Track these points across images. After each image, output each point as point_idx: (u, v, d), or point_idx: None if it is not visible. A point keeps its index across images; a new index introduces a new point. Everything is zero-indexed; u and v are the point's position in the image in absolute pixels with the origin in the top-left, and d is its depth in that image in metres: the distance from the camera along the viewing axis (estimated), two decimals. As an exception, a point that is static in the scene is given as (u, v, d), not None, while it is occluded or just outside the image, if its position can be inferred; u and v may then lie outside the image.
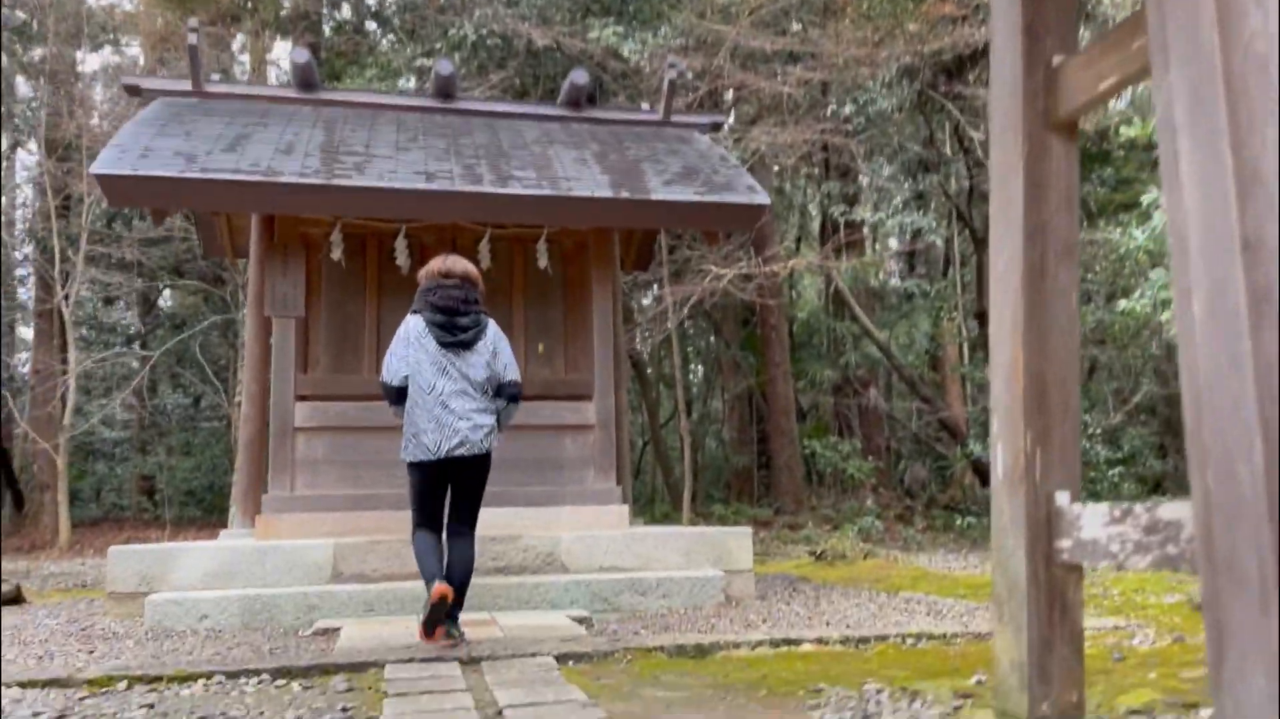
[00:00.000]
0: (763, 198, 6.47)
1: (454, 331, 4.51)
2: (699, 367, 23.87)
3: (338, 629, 5.19)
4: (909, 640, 4.70)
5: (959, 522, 14.03)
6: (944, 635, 4.79)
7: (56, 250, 12.35)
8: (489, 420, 4.57)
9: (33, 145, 15.06)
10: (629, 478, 7.58)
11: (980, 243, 13.48)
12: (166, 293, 19.84)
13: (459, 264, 4.67)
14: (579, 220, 6.46)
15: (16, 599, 6.94)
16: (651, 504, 17.67)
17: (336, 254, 6.93)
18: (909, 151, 13.06)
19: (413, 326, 4.55)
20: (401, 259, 7.08)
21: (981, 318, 13.82)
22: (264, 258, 6.54)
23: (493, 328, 4.67)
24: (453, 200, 6.05)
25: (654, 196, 6.30)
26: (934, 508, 16.40)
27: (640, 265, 9.11)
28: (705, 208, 6.34)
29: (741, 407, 20.35)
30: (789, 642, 4.57)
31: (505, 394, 4.70)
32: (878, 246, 22.39)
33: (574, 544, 6.19)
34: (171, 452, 17.95)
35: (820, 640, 4.58)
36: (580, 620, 5.45)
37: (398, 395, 4.57)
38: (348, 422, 6.45)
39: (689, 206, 6.32)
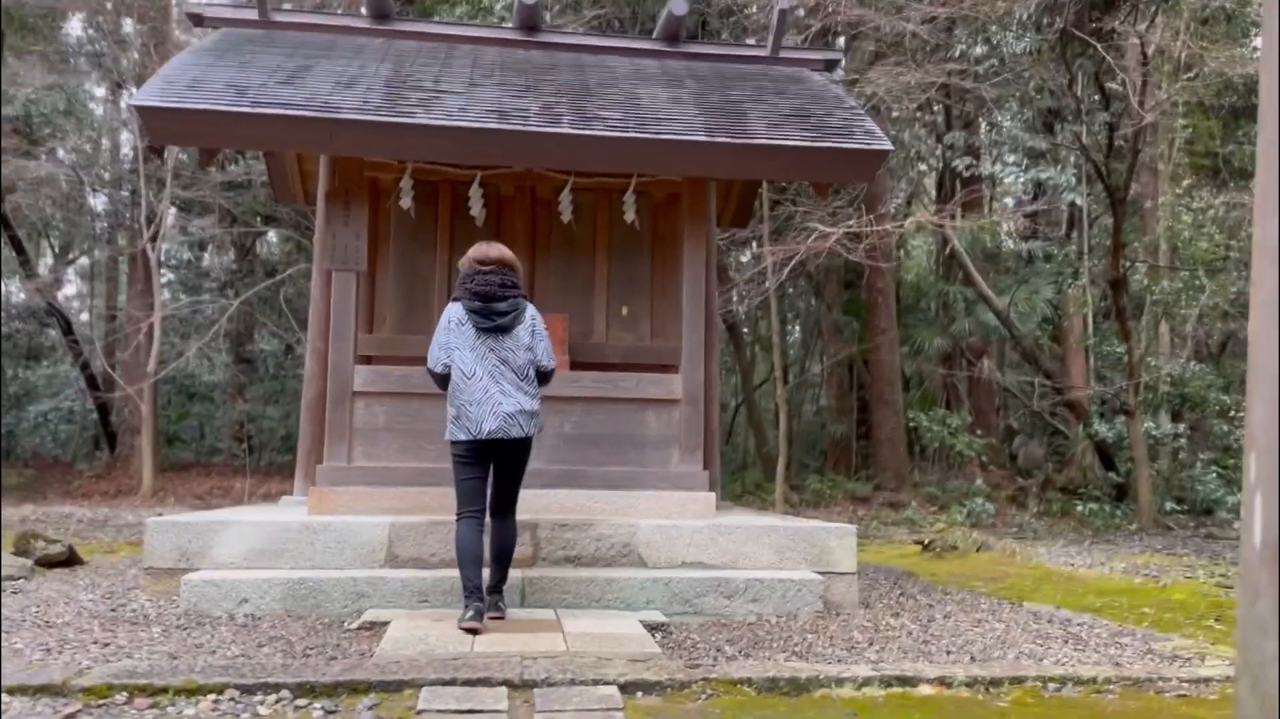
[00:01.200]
0: (883, 143, 5.58)
1: (491, 317, 4.58)
2: (796, 328, 22.85)
3: (385, 624, 4.62)
4: (1051, 685, 3.88)
5: (1079, 508, 12.90)
6: (1093, 680, 3.94)
7: (144, 194, 12.13)
8: (530, 404, 4.61)
9: (133, 88, 14.94)
10: (717, 460, 6.84)
11: (1117, 202, 12.17)
12: (262, 240, 19.75)
13: (495, 250, 4.71)
14: (669, 167, 5.67)
15: (69, 560, 6.61)
16: (743, 472, 16.96)
17: (406, 202, 6.31)
18: (1042, 99, 11.77)
19: (453, 313, 4.65)
20: (476, 209, 6.44)
21: (1116, 286, 12.54)
22: (326, 204, 5.95)
23: (530, 311, 4.73)
24: (525, 142, 5.34)
25: (756, 141, 5.47)
26: (1050, 490, 15.22)
27: (739, 221, 8.28)
28: (816, 154, 5.49)
29: (841, 373, 19.35)
30: (903, 680, 3.80)
31: (543, 377, 4.79)
32: (995, 205, 20.93)
33: (653, 535, 5.49)
34: (265, 399, 17.91)
35: (942, 681, 3.79)
36: (656, 628, 4.77)
37: (442, 382, 4.68)
38: (411, 387, 5.85)
39: (797, 153, 5.47)
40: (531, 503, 5.53)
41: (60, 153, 16.53)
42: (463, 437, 4.53)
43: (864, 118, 5.89)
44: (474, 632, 4.32)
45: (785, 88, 6.50)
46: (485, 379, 4.50)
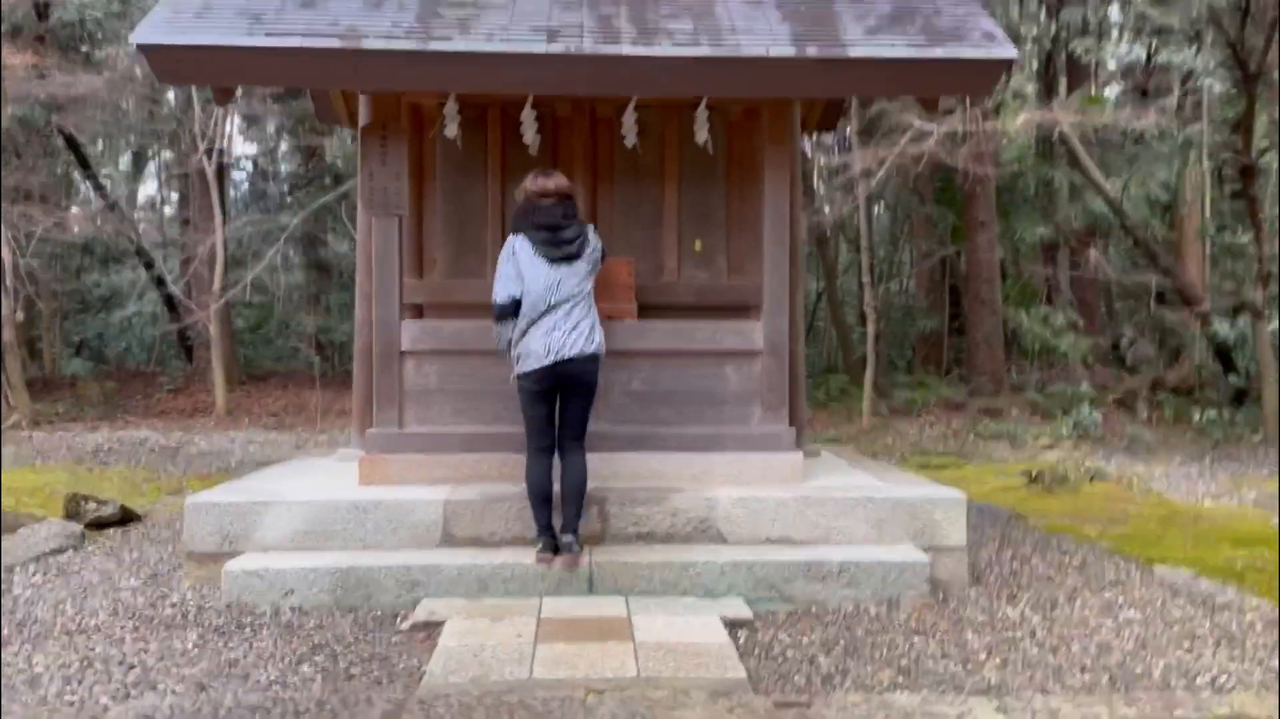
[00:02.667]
0: (1005, 50, 4.67)
1: (561, 245, 4.60)
2: (881, 211, 21.57)
3: (440, 625, 4.18)
4: (1217, 732, 3.24)
5: (1196, 416, 11.94)
6: (1267, 723, 3.29)
7: (195, 106, 11.62)
8: (590, 321, 4.67)
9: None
10: (804, 411, 6.18)
11: (1250, 78, 10.78)
12: (329, 141, 19.21)
13: (553, 181, 4.69)
14: (749, 88, 4.86)
15: (123, 520, 6.36)
16: (827, 375, 16.24)
17: (452, 130, 5.61)
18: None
19: (518, 245, 4.64)
20: (529, 135, 5.70)
21: (1247, 172, 11.24)
22: (362, 141, 5.31)
23: (593, 234, 4.79)
24: (578, 66, 4.59)
25: (853, 53, 4.61)
26: (1160, 390, 14.20)
27: (826, 124, 7.36)
28: (925, 67, 4.61)
29: (931, 265, 18.27)
30: (1035, 728, 3.20)
31: None
32: (1104, 84, 19.17)
33: (734, 509, 4.92)
34: (341, 309, 17.66)
35: (1083, 732, 3.18)
36: (738, 625, 4.24)
37: (508, 315, 4.62)
38: (464, 344, 5.29)
39: (902, 67, 4.61)
40: (599, 468, 5.00)
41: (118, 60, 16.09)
42: (533, 365, 4.54)
43: (980, 14, 4.95)
44: (547, 562, 4.51)
45: (883, -21, 5.54)
46: (558, 308, 4.55)
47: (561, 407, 4.67)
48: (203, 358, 15.14)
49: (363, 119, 5.60)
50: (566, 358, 4.52)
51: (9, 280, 11.57)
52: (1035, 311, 13.77)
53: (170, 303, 16.13)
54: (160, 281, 15.38)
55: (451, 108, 5.53)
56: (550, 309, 4.53)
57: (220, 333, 12.70)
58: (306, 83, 5.12)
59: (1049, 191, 16.04)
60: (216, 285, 12.15)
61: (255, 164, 17.83)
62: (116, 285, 22.61)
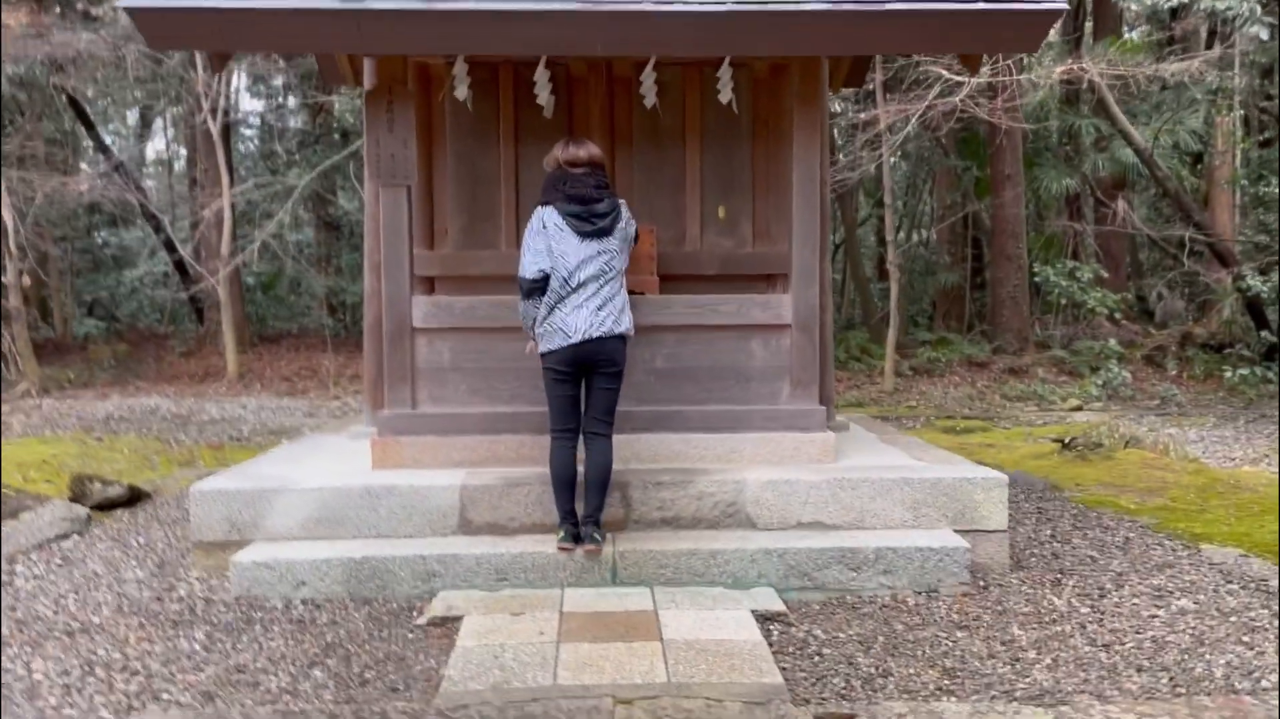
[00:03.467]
0: (1055, 2, 4.33)
1: (593, 220, 4.36)
2: (902, 163, 21.10)
3: (458, 620, 4.00)
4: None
5: (1228, 373, 11.62)
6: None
7: (199, 64, 11.28)
8: (621, 300, 4.45)
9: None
10: (832, 389, 5.93)
11: (1294, 22, 10.29)
12: (336, 100, 18.82)
13: (585, 150, 4.45)
14: (780, 45, 4.53)
15: (131, 500, 6.19)
16: (848, 333, 15.92)
17: (461, 92, 5.34)
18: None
19: (548, 218, 4.38)
20: (544, 96, 5.42)
21: (1285, 123, 10.77)
22: (367, 106, 5.02)
23: (624, 209, 4.53)
24: (597, 24, 4.27)
25: (891, 6, 4.28)
26: (1190, 345, 13.86)
27: (854, 81, 7.01)
28: (969, 21, 4.28)
29: (953, 217, 17.84)
30: (1096, 743, 2.98)
31: None
32: (1131, 26, 18.52)
33: (763, 492, 4.70)
34: (352, 270, 17.42)
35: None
36: (771, 619, 4.04)
37: (542, 289, 4.37)
38: (477, 320, 5.05)
39: (944, 21, 4.27)
40: (621, 450, 4.77)
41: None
42: (559, 343, 4.33)
43: (1026, -37, 4.59)
44: (568, 551, 4.33)
45: (919, -76, 5.17)
46: (589, 284, 4.33)
47: (588, 389, 4.44)
48: (214, 319, 14.95)
49: (368, 83, 5.31)
50: (594, 337, 4.30)
51: (12, 245, 11.35)
52: (1061, 266, 13.40)
53: (180, 266, 15.92)
54: (170, 245, 15.15)
55: (461, 68, 5.24)
56: (580, 286, 4.30)
57: (230, 296, 12.48)
58: (306, 47, 4.82)
59: (1074, 141, 15.56)
60: (225, 249, 11.90)
61: (263, 121, 17.47)
62: (127, 244, 22.39)
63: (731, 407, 5.15)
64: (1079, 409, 10.68)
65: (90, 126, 15.64)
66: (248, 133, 21.05)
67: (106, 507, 5.97)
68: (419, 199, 5.60)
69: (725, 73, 5.33)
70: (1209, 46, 16.90)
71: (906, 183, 20.86)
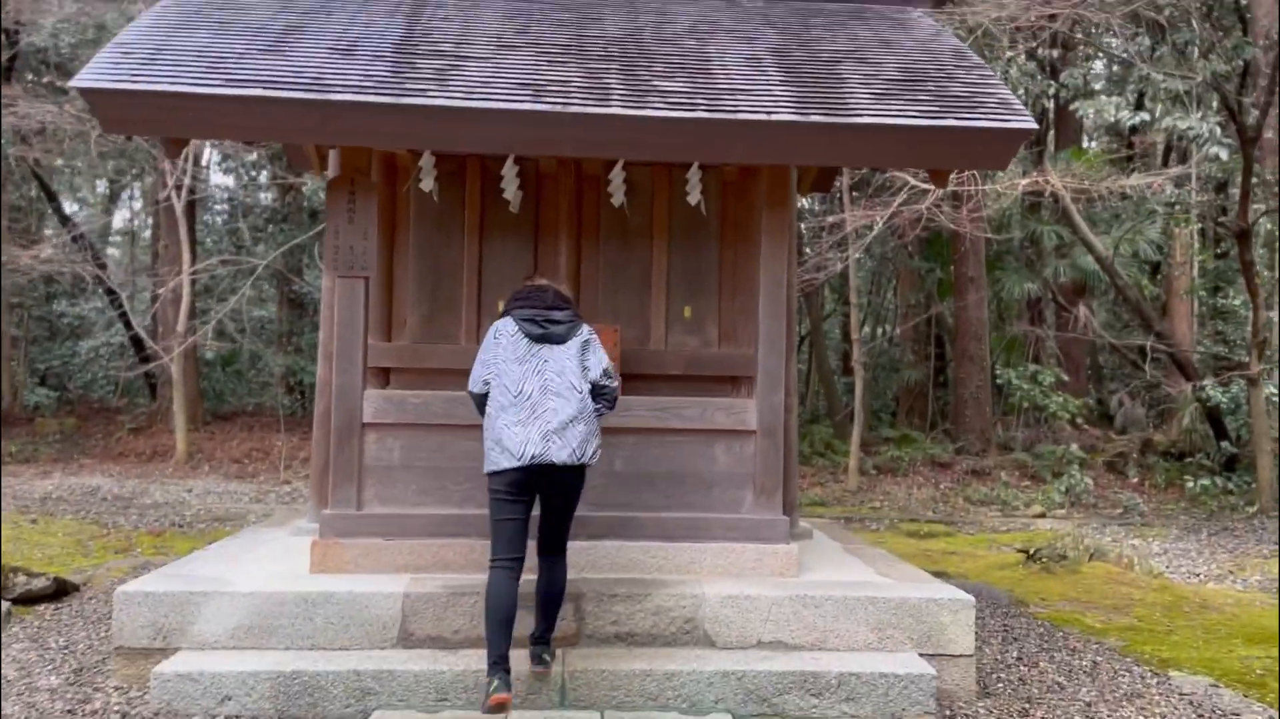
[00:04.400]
0: (1023, 120, 4.35)
1: (545, 324, 4.07)
2: (866, 259, 21.33)
3: (392, 743, 3.73)
4: None
5: (1190, 483, 11.63)
6: None
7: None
8: (584, 426, 3.98)
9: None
10: (796, 495, 5.80)
11: (1247, 142, 10.59)
12: (308, 178, 18.81)
13: (550, 289, 4.23)
14: (747, 154, 4.51)
15: (57, 593, 5.85)
16: (811, 426, 15.85)
17: (428, 184, 5.26)
18: (1180, 32, 10.06)
19: (501, 326, 4.12)
20: (510, 192, 5.36)
21: (1243, 236, 11.03)
22: (328, 195, 4.91)
23: (586, 328, 4.21)
24: (565, 126, 4.21)
25: (861, 119, 4.28)
26: (1150, 453, 13.93)
27: (822, 185, 7.06)
28: (937, 137, 4.28)
29: (916, 315, 18.00)
30: None
31: (601, 395, 4.15)
32: (1092, 139, 19.12)
33: (723, 609, 4.50)
34: (313, 349, 17.17)
35: None
36: (728, 750, 3.82)
37: (484, 405, 4.08)
38: (432, 417, 4.88)
39: (913, 136, 4.27)
40: (575, 558, 4.56)
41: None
42: (505, 464, 3.87)
43: (995, 82, 4.64)
44: (502, 707, 3.68)
45: (888, 37, 5.24)
46: (535, 396, 3.94)
47: (541, 511, 4.06)
48: (166, 396, 14.59)
49: (331, 171, 5.22)
50: (547, 462, 3.83)
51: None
52: (1023, 369, 13.48)
53: (136, 340, 15.61)
54: (126, 319, 14.87)
55: (428, 160, 5.18)
56: (524, 396, 3.90)
57: (184, 374, 12.19)
58: (269, 136, 4.73)
59: (1036, 246, 15.83)
60: (181, 327, 11.67)
61: (230, 197, 17.38)
62: (85, 314, 21.99)
63: (692, 514, 4.98)
64: (1042, 516, 10.61)
65: (52, 197, 15.46)
66: (218, 207, 20.97)
67: (29, 601, 5.64)
68: (378, 288, 5.46)
69: (695, 175, 5.31)
70: (1166, 159, 17.43)
71: (871, 279, 21.11)
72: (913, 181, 8.44)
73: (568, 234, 5.57)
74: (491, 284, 5.52)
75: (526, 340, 4.01)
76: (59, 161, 15.07)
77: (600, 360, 4.11)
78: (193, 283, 13.96)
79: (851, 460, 12.33)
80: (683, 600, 4.51)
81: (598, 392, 4.08)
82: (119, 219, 25.03)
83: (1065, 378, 14.02)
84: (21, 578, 5.65)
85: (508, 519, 3.92)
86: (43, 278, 16.94)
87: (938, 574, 7.68)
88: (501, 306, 4.23)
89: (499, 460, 3.88)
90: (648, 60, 4.72)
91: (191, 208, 14.43)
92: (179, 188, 11.29)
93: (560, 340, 4.04)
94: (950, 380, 16.65)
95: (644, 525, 4.92)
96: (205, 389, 18.26)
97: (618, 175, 5.34)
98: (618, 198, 5.40)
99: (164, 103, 4.10)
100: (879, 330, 22.14)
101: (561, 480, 3.96)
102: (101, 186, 23.37)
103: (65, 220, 15.50)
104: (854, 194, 10.10)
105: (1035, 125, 4.30)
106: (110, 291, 15.38)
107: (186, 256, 11.64)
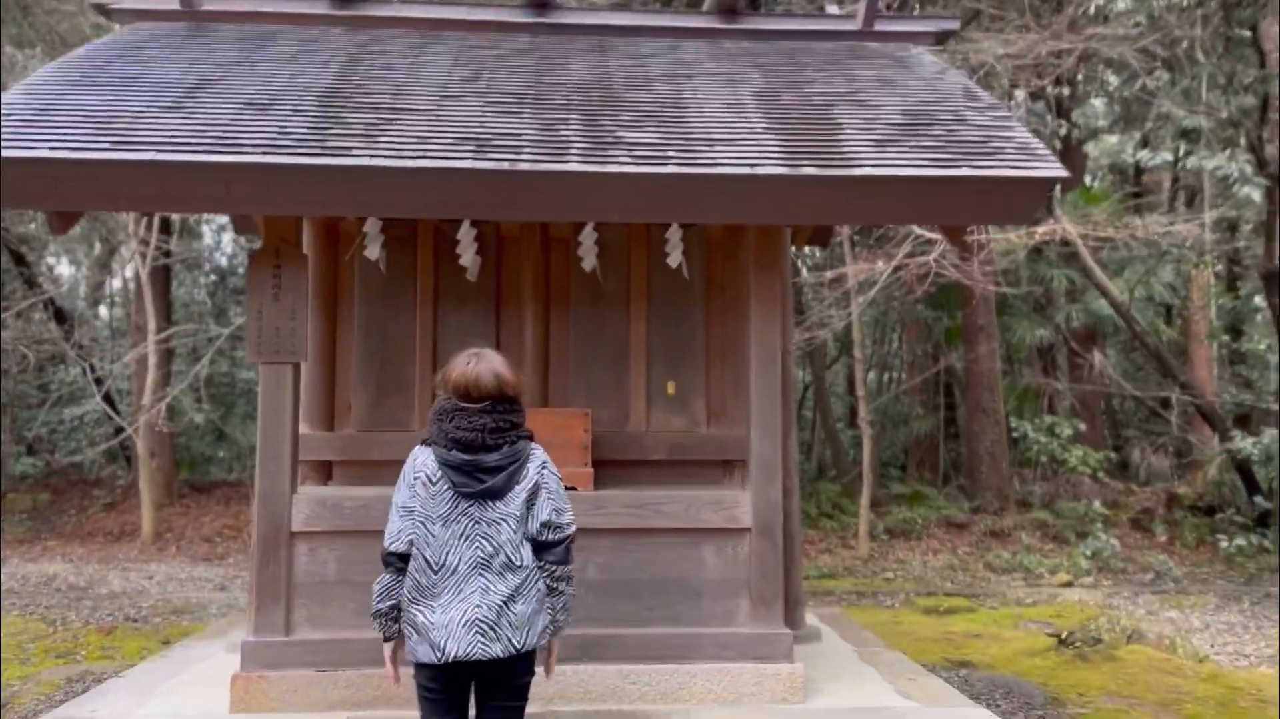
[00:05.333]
0: (1049, 165, 3.73)
1: (477, 476, 2.96)
2: (869, 308, 20.71)
3: None
4: None
5: (1224, 543, 10.85)
6: None
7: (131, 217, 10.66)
8: (525, 607, 2.97)
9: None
10: (800, 590, 5.11)
11: (1274, 179, 9.99)
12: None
13: (486, 374, 3.01)
14: (728, 213, 3.89)
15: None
16: (817, 484, 15.10)
17: (374, 252, 4.67)
18: (1199, 70, 9.47)
19: (421, 466, 3.02)
20: (468, 258, 4.77)
21: (1270, 280, 10.39)
22: (249, 270, 4.27)
23: (537, 459, 3.07)
24: (515, 187, 3.59)
25: (859, 172, 3.65)
26: (1176, 508, 13.15)
27: (820, 239, 6.44)
28: (949, 189, 3.65)
29: (924, 365, 17.32)
30: None
31: (548, 548, 3.05)
32: (1095, 178, 18.58)
33: (716, 749, 3.79)
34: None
35: None
36: None
37: (400, 568, 3.02)
38: (372, 523, 4.18)
39: (920, 188, 3.64)
40: (541, 687, 3.85)
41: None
42: (423, 657, 2.93)
43: (1012, 124, 4.02)
44: None
45: (889, 77, 4.65)
46: (461, 570, 2.93)
47: (478, 710, 3.07)
48: (134, 470, 13.92)
49: (254, 242, 4.60)
50: (474, 658, 2.88)
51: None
52: (1039, 422, 12.76)
53: (111, 401, 15.02)
54: (99, 381, 14.28)
55: (373, 225, 4.59)
56: (450, 570, 2.92)
57: (151, 447, 11.51)
58: (168, 207, 4.13)
59: (1046, 292, 15.20)
60: (146, 399, 11.03)
61: (207, 262, 16.88)
62: (74, 380, 21.41)
63: (679, 629, 4.28)
64: (1069, 584, 9.84)
65: (21, 262, 14.92)
66: (205, 269, 20.47)
67: (-74, 736, 4.93)
68: (318, 371, 4.84)
69: (675, 234, 4.72)
70: (1173, 199, 16.87)
71: (875, 327, 20.47)
72: (919, 230, 7.83)
73: (533, 303, 4.95)
74: (447, 361, 4.87)
75: (452, 494, 2.95)
76: (31, 226, 14.59)
77: (560, 505, 3.08)
78: (168, 351, 13.36)
79: (861, 525, 11.58)
80: (667, 741, 3.80)
81: (541, 546, 3.02)
82: (119, 279, 24.56)
83: (1082, 427, 13.29)
84: (-82, 710, 4.94)
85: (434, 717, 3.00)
86: (30, 342, 16.40)
87: (962, 664, 6.96)
88: (427, 426, 3.10)
89: (415, 650, 2.95)
90: (614, 108, 4.11)
91: (166, 273, 13.87)
92: (143, 254, 10.73)
93: (498, 495, 2.97)
94: (962, 433, 15.92)
95: (624, 644, 4.22)
96: (186, 458, 17.59)
97: (588, 237, 4.74)
98: (589, 261, 4.79)
99: (42, 171, 3.49)
100: (885, 378, 21.47)
101: (497, 676, 2.99)
102: (98, 249, 22.93)
103: (32, 285, 14.94)
104: (856, 239, 9.48)
105: (1064, 172, 3.67)
106: (85, 357, 14.79)
107: (152, 325, 11.04)
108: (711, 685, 4.17)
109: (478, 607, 2.89)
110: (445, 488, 2.95)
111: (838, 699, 4.27)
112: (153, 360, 10.97)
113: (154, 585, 9.44)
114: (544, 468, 3.06)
